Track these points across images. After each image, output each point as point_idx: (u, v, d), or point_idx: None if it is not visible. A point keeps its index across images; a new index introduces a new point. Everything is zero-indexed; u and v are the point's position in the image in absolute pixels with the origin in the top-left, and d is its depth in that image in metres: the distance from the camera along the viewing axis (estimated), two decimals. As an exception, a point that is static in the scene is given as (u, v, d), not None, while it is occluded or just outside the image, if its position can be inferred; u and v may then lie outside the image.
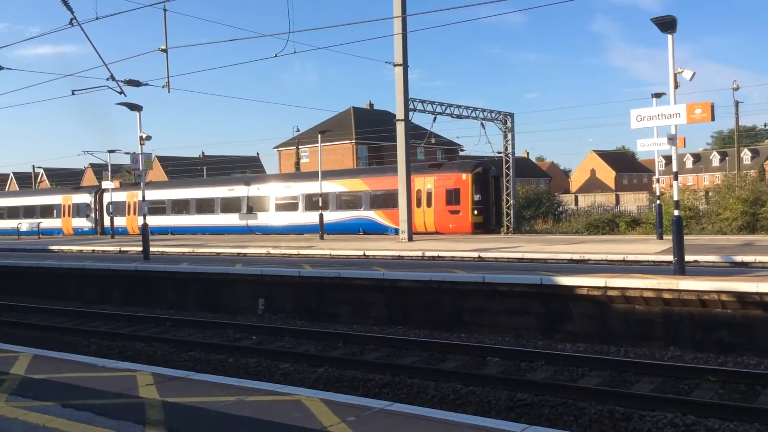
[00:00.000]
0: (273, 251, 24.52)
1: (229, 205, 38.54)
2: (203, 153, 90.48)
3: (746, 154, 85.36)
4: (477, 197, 31.10)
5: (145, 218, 21.73)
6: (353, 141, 58.72)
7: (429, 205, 31.83)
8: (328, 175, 35.65)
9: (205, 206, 39.82)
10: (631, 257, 18.01)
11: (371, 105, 70.44)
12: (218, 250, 25.91)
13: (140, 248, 21.53)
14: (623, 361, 10.45)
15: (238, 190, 38.51)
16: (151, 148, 22.05)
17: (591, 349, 11.55)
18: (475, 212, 31.03)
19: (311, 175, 36.13)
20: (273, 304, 16.10)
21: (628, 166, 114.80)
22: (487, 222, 31.92)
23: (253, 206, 37.53)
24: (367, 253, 22.46)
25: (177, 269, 17.91)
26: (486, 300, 13.21)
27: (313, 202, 34.19)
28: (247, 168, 74.86)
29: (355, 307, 14.94)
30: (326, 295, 15.36)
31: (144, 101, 18.89)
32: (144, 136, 20.46)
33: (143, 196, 21.93)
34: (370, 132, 56.66)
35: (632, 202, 45.90)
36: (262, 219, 37.08)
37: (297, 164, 59.71)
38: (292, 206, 36.04)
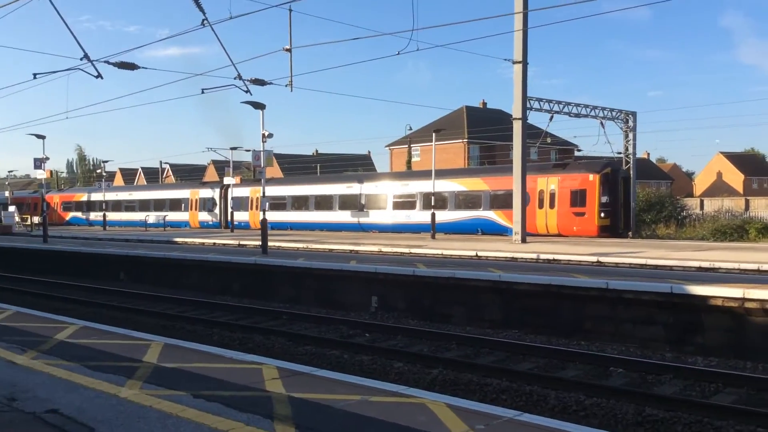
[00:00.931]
0: (385, 249, 24.65)
1: (347, 202, 39.04)
2: (317, 151, 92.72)
3: None
4: (604, 199, 29.79)
5: (264, 213, 22.40)
6: (465, 140, 58.25)
7: (552, 206, 30.76)
8: (447, 174, 35.34)
9: (323, 203, 40.48)
10: (766, 266, 16.73)
11: (484, 104, 69.63)
12: (332, 247, 26.38)
13: (258, 242, 22.21)
14: (762, 378, 9.68)
15: (356, 188, 39.02)
16: (270, 146, 22.66)
17: (724, 363, 10.81)
18: (602, 215, 29.74)
19: (429, 174, 36.10)
20: (386, 302, 16.14)
21: (758, 169, 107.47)
22: (614, 225, 30.52)
23: (369, 204, 37.92)
24: (480, 253, 22.14)
25: (294, 264, 18.34)
26: (609, 307, 12.63)
27: (430, 201, 34.17)
28: (359, 166, 75.99)
29: (469, 308, 14.71)
30: (440, 295, 15.23)
31: (266, 100, 19.51)
32: (266, 133, 21.08)
33: (263, 192, 22.62)
34: (482, 131, 56.02)
35: (764, 207, 42.95)
36: (380, 217, 37.24)
37: (408, 163, 59.92)
38: (409, 204, 35.88)
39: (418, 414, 5.48)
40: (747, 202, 45.34)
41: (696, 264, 17.63)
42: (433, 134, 32.90)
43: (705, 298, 11.48)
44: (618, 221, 30.79)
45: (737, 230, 33.44)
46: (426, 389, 8.89)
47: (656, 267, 17.74)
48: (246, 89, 20.50)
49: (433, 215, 30.72)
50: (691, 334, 11.71)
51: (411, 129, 64.07)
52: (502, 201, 31.83)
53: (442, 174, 33.70)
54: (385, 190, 37.51)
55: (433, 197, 31.71)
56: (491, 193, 32.72)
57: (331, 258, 20.38)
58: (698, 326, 11.65)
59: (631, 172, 33.91)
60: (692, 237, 33.95)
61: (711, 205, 46.74)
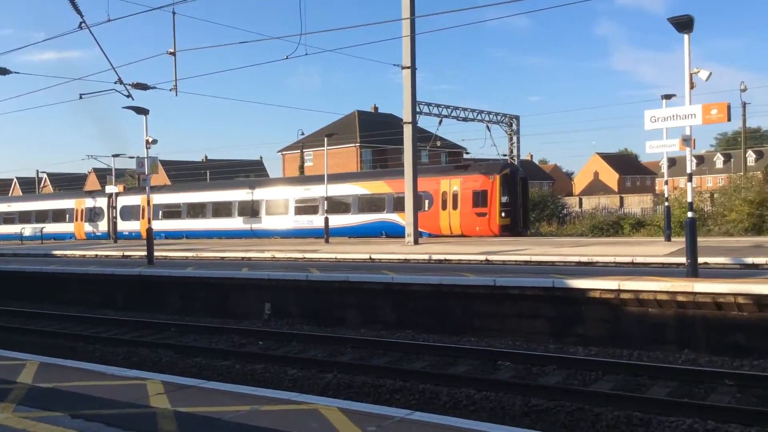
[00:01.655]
0: (278, 255, 24.40)
1: (247, 209, 38.20)
2: (206, 157, 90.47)
3: (751, 156, 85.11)
4: (504, 199, 30.76)
5: (150, 222, 21.63)
6: (358, 144, 58.65)
7: (455, 207, 31.44)
8: (350, 177, 35.28)
9: (222, 210, 39.41)
10: (639, 259, 17.85)
11: (376, 108, 70.36)
12: (223, 255, 25.80)
13: (144, 253, 21.42)
14: (637, 365, 10.28)
15: (256, 193, 38.23)
16: (155, 152, 21.89)
17: (603, 352, 11.39)
18: (503, 214, 30.66)
19: (331, 178, 35.90)
20: (279, 309, 15.95)
21: (631, 169, 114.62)
22: (514, 224, 31.53)
23: (270, 209, 37.26)
24: (373, 256, 22.33)
25: (182, 274, 17.78)
26: (496, 303, 13.05)
27: (334, 205, 33.96)
28: (251, 172, 74.77)
29: (363, 311, 14.79)
30: (334, 300, 15.22)
31: (149, 105, 18.88)
32: (150, 139, 20.35)
33: (149, 200, 21.86)
34: (374, 135, 56.60)
35: (636, 204, 45.71)
36: (282, 223, 36.70)
37: (301, 168, 59.66)
38: (312, 209, 35.52)
39: (310, 420, 5.44)
40: (621, 200, 48.11)
41: (576, 259, 18.54)
42: (325, 139, 32.95)
43: (584, 291, 12.08)
44: (517, 220, 31.82)
45: (613, 226, 35.50)
46: (320, 395, 8.88)
47: (540, 263, 18.53)
48: (127, 94, 19.78)
49: (326, 219, 30.75)
50: (573, 326, 12.29)
51: (303, 134, 63.75)
52: (403, 204, 32.20)
53: (345, 177, 33.68)
54: (287, 195, 37.02)
55: (326, 201, 31.72)
56: (394, 195, 32.86)
57: (222, 266, 19.93)
58: (579, 318, 12.24)
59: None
60: (572, 233, 35.74)
61: (589, 203, 49.27)
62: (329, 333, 13.88)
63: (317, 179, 37.43)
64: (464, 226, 31.30)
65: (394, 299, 14.39)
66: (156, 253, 22.00)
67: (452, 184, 31.59)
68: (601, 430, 7.94)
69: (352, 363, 11.35)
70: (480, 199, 30.88)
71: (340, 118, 63.33)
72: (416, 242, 25.78)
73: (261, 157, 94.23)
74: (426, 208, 31.99)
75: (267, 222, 37.19)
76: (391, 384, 10.00)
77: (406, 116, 26.08)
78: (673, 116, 12.37)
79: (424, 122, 38.38)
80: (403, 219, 31.79)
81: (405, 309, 14.26)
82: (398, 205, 32.70)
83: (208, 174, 71.98)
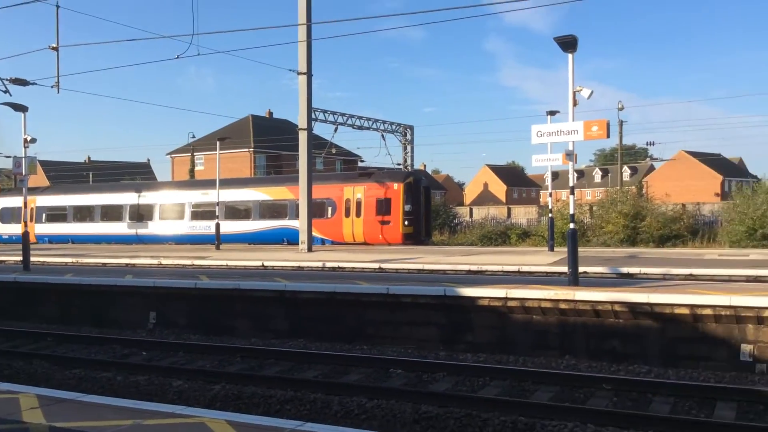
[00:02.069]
0: (165, 261, 23.53)
1: (140, 213, 36.57)
2: (89, 158, 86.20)
3: (626, 171, 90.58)
4: (408, 207, 30.72)
5: (25, 225, 20.33)
6: (251, 149, 57.67)
7: (358, 215, 31.20)
8: (251, 182, 34.44)
9: (112, 213, 37.49)
10: (525, 268, 18.52)
11: (270, 113, 69.53)
12: (105, 261, 24.60)
13: (20, 257, 20.09)
14: (522, 371, 10.63)
15: (150, 197, 36.64)
16: (34, 152, 20.61)
17: (491, 359, 11.70)
18: (406, 222, 30.64)
19: (233, 182, 34.83)
20: (165, 318, 15.36)
21: (518, 181, 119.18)
22: (417, 233, 31.56)
23: (165, 214, 35.85)
24: (266, 263, 21.98)
25: (60, 280, 16.79)
26: (389, 312, 13.14)
27: (234, 210, 32.92)
28: (137, 175, 71.91)
29: (255, 319, 14.50)
30: (223, 308, 14.82)
31: (29, 102, 17.55)
32: (29, 138, 19.12)
33: (25, 202, 20.56)
34: (269, 141, 55.83)
35: (522, 215, 47.44)
36: (177, 228, 35.40)
37: (191, 172, 57.96)
38: (210, 214, 33.95)
39: (196, 434, 5.23)
40: (509, 210, 49.86)
41: (466, 268, 19.00)
42: (218, 142, 32.18)
43: (474, 299, 12.38)
44: (420, 229, 31.94)
45: (501, 235, 36.76)
46: (206, 407, 8.59)
47: (432, 272, 18.86)
48: (5, 89, 18.51)
49: (218, 225, 30.00)
50: (462, 333, 12.56)
51: (194, 137, 62.02)
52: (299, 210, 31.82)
53: (246, 183, 32.88)
54: (183, 199, 35.73)
55: (217, 207, 31.00)
56: (297, 202, 32.32)
57: (105, 273, 18.98)
58: (468, 325, 12.53)
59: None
60: (463, 242, 36.67)
61: (479, 213, 50.73)
62: (218, 342, 13.50)
63: (216, 183, 36.50)
64: (368, 234, 31.15)
65: (286, 307, 14.20)
66: (34, 258, 20.69)
67: (356, 191, 31.43)
68: (488, 435, 8.11)
69: (241, 373, 11.07)
70: (384, 207, 30.76)
71: (234, 122, 62.14)
72: (310, 249, 25.63)
73: (148, 160, 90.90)
74: (329, 215, 31.72)
75: (161, 227, 35.81)
76: (282, 394, 9.82)
77: (302, 123, 25.92)
78: (558, 132, 12.94)
79: (319, 129, 38.21)
80: None
81: (298, 317, 14.10)
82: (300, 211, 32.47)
83: (90, 176, 68.58)
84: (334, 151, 46.03)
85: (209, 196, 34.73)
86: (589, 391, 9.68)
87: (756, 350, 10.40)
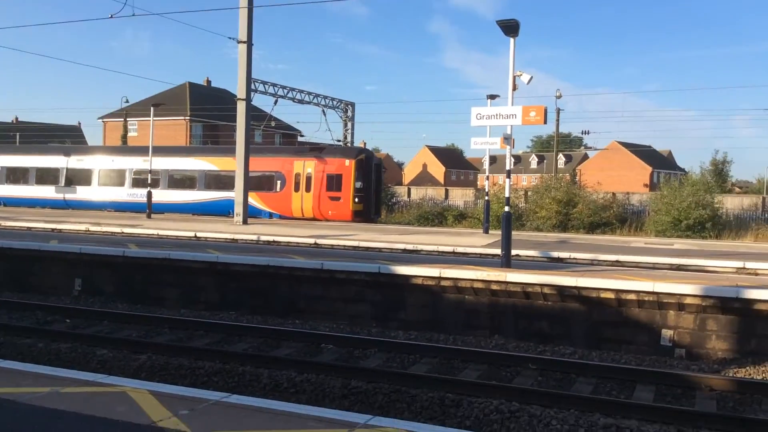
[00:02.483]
0: (94, 228, 22.79)
1: (77, 177, 34.96)
2: (17, 118, 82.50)
3: (561, 159, 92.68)
4: (358, 184, 30.11)
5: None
6: (188, 117, 56.22)
7: (308, 189, 30.52)
8: (197, 151, 33.21)
9: (47, 177, 35.60)
10: (460, 249, 18.73)
11: (209, 82, 67.81)
12: (31, 225, 23.67)
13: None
14: (452, 349, 10.77)
15: (88, 161, 34.99)
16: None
17: (422, 336, 11.82)
18: (356, 200, 30.11)
19: (179, 150, 33.63)
20: (91, 285, 14.91)
21: (456, 163, 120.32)
22: (367, 210, 31.06)
23: (103, 179, 34.39)
24: (199, 234, 21.56)
25: (-21, 243, 16.03)
26: (323, 287, 13.09)
27: (179, 180, 31.95)
28: (67, 138, 69.19)
29: (185, 290, 14.21)
30: (153, 278, 14.47)
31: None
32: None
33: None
34: (206, 109, 54.53)
35: (460, 197, 47.91)
36: (115, 194, 33.97)
37: (124, 137, 56.19)
38: (153, 182, 32.64)
39: (117, 404, 5.07)
40: (446, 192, 50.28)
41: (402, 246, 19.09)
42: (152, 108, 31.21)
43: (408, 278, 12.45)
44: (370, 206, 31.49)
45: (437, 216, 37.08)
46: (131, 377, 8.37)
47: (368, 249, 18.86)
48: None
49: (149, 194, 29.26)
50: (395, 311, 12.63)
51: (128, 101, 59.99)
52: (256, 183, 30.54)
53: (192, 151, 31.96)
54: (125, 165, 34.24)
55: (150, 174, 30.16)
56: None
57: (31, 237, 18.25)
58: (401, 303, 12.60)
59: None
60: (400, 221, 36.82)
61: (417, 193, 51.00)
62: (146, 312, 13.18)
63: (162, 150, 34.68)
64: (317, 210, 30.56)
65: (218, 279, 13.96)
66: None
67: (306, 166, 30.70)
68: (415, 410, 8.19)
69: (168, 344, 10.85)
70: (334, 183, 30.16)
71: (170, 88, 60.26)
72: (245, 222, 25.25)
73: (79, 123, 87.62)
74: (278, 189, 31.04)
75: (100, 193, 34.42)
76: (210, 366, 9.67)
77: (241, 93, 25.38)
78: (497, 115, 13.06)
79: (259, 101, 37.54)
80: (254, 199, 30.50)
81: (229, 289, 13.89)
82: (249, 183, 31.56)
83: (17, 137, 65.64)
84: (273, 124, 45.34)
85: (152, 163, 33.68)
86: (516, 370, 9.90)
87: (676, 335, 10.82)
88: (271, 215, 31.09)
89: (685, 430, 7.32)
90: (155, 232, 21.92)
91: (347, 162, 30.28)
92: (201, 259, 14.08)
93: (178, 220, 27.32)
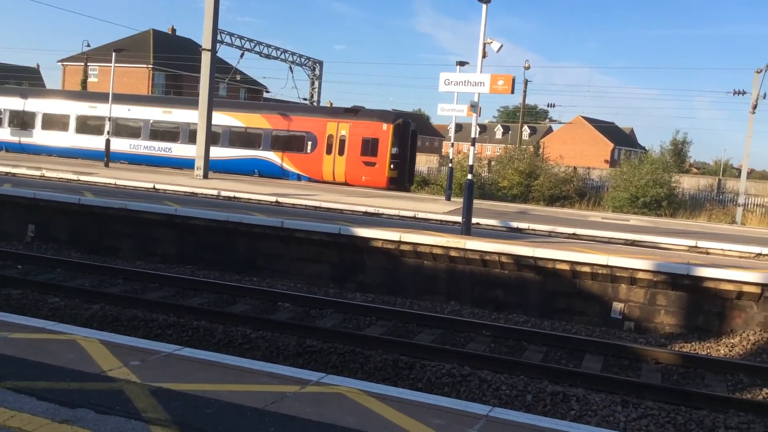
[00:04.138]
0: (49, 174, 22.24)
1: (51, 122, 33.70)
2: (-31, 56, 79.31)
3: (526, 131, 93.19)
4: (395, 150, 28.64)
5: None
6: (150, 66, 54.77)
7: (341, 153, 29.04)
8: (222, 105, 31.27)
9: (28, 121, 34.15)
10: (421, 215, 18.78)
11: (174, 30, 65.90)
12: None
13: None
14: (408, 313, 10.87)
15: (62, 107, 33.62)
16: None
17: (380, 299, 11.89)
18: (392, 167, 28.63)
19: (189, 102, 31.57)
20: (45, 232, 14.59)
21: (422, 129, 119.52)
22: (401, 178, 29.72)
23: (81, 128, 33.15)
24: (158, 186, 21.19)
25: (-73, 183, 15.51)
26: (282, 245, 13.02)
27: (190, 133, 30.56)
28: (25, 80, 66.90)
29: (141, 242, 14.00)
30: (108, 227, 14.21)
31: None
32: None
33: None
34: (170, 58, 53.18)
35: (424, 163, 47.95)
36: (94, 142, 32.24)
37: (84, 83, 54.54)
38: (172, 136, 31.65)
39: (67, 352, 4.99)
40: (411, 157, 50.29)
41: (364, 209, 19.05)
42: (113, 54, 30.28)
43: (368, 240, 12.45)
44: (405, 174, 30.29)
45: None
46: (83, 326, 8.25)
47: (329, 210, 18.78)
48: None
49: (108, 141, 28.56)
50: (354, 272, 12.65)
51: (89, 45, 58.07)
52: (285, 143, 29.75)
53: (217, 105, 30.39)
54: (146, 115, 32.49)
55: (108, 121, 29.38)
56: (273, 132, 30.15)
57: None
58: (360, 265, 12.62)
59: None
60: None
61: (381, 157, 50.85)
62: (100, 262, 12.97)
63: (176, 101, 33.00)
64: (350, 175, 29.10)
65: (175, 232, 13.78)
66: None
67: (340, 128, 29.10)
68: (368, 371, 8.27)
69: (122, 295, 10.72)
70: (370, 147, 28.62)
71: (133, 34, 58.59)
72: (206, 176, 24.88)
73: (38, 65, 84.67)
74: (308, 151, 29.64)
75: (80, 140, 33.16)
76: (164, 319, 9.60)
77: (206, 43, 24.76)
78: (465, 82, 12.99)
79: (225, 53, 36.76)
80: (281, 159, 29.62)
81: (187, 243, 13.73)
82: (276, 143, 30.15)
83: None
84: (238, 77, 44.51)
85: (172, 115, 32.02)
86: (470, 335, 10.05)
87: (626, 309, 11.09)
88: (299, 177, 29.73)
89: (630, 400, 7.54)
90: (112, 181, 21.49)
91: (385, 126, 28.60)
92: (159, 211, 13.86)
93: (137, 171, 26.80)
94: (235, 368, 4.98)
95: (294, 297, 11.30)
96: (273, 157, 30.28)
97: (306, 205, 19.18)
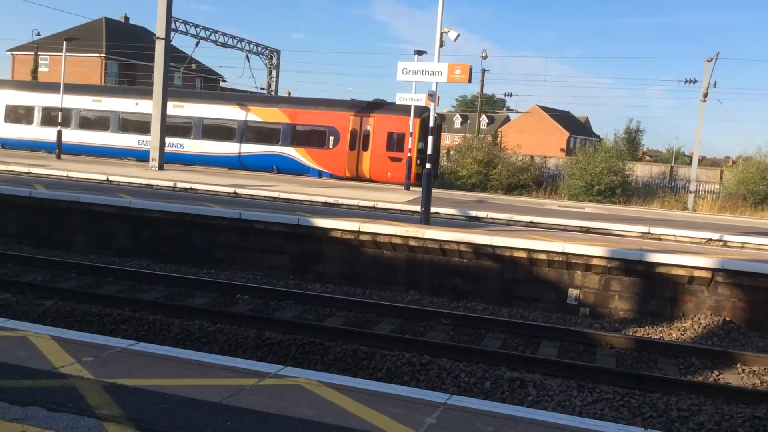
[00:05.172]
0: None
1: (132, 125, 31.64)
2: None
3: (484, 120, 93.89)
4: (421, 145, 27.18)
5: None
6: (103, 55, 53.53)
7: (365, 148, 28.05)
8: (237, 99, 30.37)
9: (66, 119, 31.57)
10: (381, 204, 18.82)
11: (127, 18, 64.52)
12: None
13: None
14: (368, 303, 10.88)
15: (107, 103, 31.66)
16: None
17: (339, 290, 11.88)
18: (418, 162, 27.18)
19: (213, 97, 30.64)
20: (-6, 227, 14.17)
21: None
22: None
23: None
24: (111, 178, 20.78)
25: None
26: (241, 237, 12.89)
27: (213, 129, 29.66)
28: (-30, 69, 64.68)
29: (95, 235, 13.71)
30: (61, 221, 13.88)
31: None
32: None
33: None
34: (123, 47, 52.02)
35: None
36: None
37: (34, 72, 53.08)
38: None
39: (17, 349, 4.86)
40: (370, 147, 50.25)
41: (323, 199, 19.00)
42: (65, 43, 29.53)
43: (327, 230, 12.41)
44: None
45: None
46: (35, 322, 8.07)
47: (288, 200, 18.68)
48: None
49: (59, 132, 27.88)
50: (314, 263, 12.61)
51: (39, 34, 56.45)
52: (305, 138, 28.74)
53: (230, 99, 29.62)
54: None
55: (60, 113, 28.67)
56: (292, 126, 29.06)
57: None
58: (320, 256, 12.58)
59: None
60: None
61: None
62: (53, 257, 12.67)
63: (190, 95, 31.65)
64: (374, 171, 28.20)
65: (130, 225, 13.53)
66: None
67: (364, 123, 28.11)
68: (329, 362, 8.26)
69: (76, 290, 10.50)
70: (396, 142, 27.67)
71: (85, 23, 57.16)
72: (161, 168, 24.48)
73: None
74: (330, 146, 28.63)
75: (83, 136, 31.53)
76: (118, 314, 9.42)
77: (160, 31, 24.30)
78: (423, 71, 13.02)
79: (179, 41, 36.11)
80: (301, 155, 28.68)
81: (143, 236, 13.50)
82: (297, 138, 29.08)
83: None
84: (194, 66, 43.81)
85: (184, 109, 30.30)
86: (430, 324, 10.11)
87: (581, 295, 11.29)
88: (320, 174, 28.76)
89: (585, 385, 7.68)
90: (65, 173, 21.00)
91: (411, 120, 27.47)
92: (112, 204, 13.59)
93: (90, 162, 26.22)
94: (191, 362, 4.92)
95: (253, 289, 11.21)
96: (292, 152, 29.18)
97: (265, 196, 19.03)
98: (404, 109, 28.23)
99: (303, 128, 29.03)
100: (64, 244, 13.71)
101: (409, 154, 26.20)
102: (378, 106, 29.65)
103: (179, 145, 30.07)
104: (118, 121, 30.93)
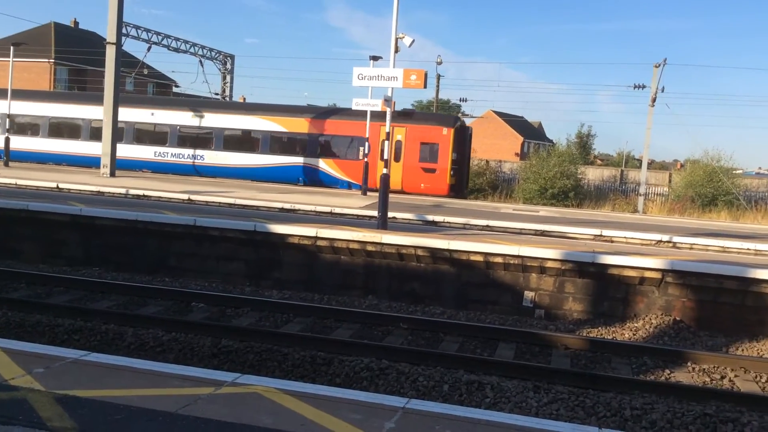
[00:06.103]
0: (-60, 175, 20.90)
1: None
2: None
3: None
4: (455, 156, 27.12)
5: None
6: (52, 60, 52.27)
7: (397, 159, 27.09)
8: (261, 109, 29.23)
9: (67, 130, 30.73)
10: (337, 210, 18.78)
11: (76, 23, 63.13)
12: None
13: None
14: (326, 308, 10.85)
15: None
16: None
17: (297, 296, 11.82)
18: (452, 173, 27.07)
19: (235, 107, 29.21)
20: (-63, 237, 13.69)
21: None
22: (460, 184, 28.30)
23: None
24: (62, 185, 20.30)
25: None
26: (195, 244, 12.72)
27: (236, 141, 28.72)
28: None
29: (44, 244, 13.37)
30: (9, 230, 13.49)
31: None
32: None
33: None
34: (73, 53, 50.88)
35: (340, 158, 47.93)
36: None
37: (-22, 77, 51.46)
38: (203, 142, 29.20)
39: (-38, 363, 4.70)
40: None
41: (280, 205, 18.88)
42: (12, 48, 28.71)
43: (284, 236, 12.34)
44: (463, 180, 28.97)
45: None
46: (-19, 335, 7.83)
47: (244, 207, 18.50)
48: None
49: (7, 139, 27.11)
50: (271, 270, 12.51)
51: (-16, 39, 54.86)
52: (333, 148, 28.01)
53: (253, 109, 28.31)
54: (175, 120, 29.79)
55: (8, 119, 27.87)
56: (320, 137, 28.19)
57: None
58: (277, 262, 12.50)
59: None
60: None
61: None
62: (1, 267, 12.30)
63: (207, 105, 30.43)
64: (407, 183, 27.32)
65: (81, 233, 13.23)
66: None
67: (396, 133, 26.77)
68: (287, 369, 8.21)
69: (25, 300, 10.22)
70: (429, 153, 27.06)
71: (33, 27, 55.78)
72: (113, 174, 24.00)
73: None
74: (360, 157, 27.37)
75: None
76: (70, 324, 9.21)
77: (111, 36, 23.85)
78: (379, 76, 13.06)
79: (131, 46, 35.48)
80: (330, 166, 27.92)
81: (94, 245, 13.22)
82: (325, 149, 28.29)
83: None
84: (146, 71, 43.03)
85: (204, 118, 29.36)
86: (388, 329, 10.13)
87: (537, 297, 11.46)
88: (350, 186, 27.83)
89: (541, 386, 7.79)
90: (13, 181, 20.42)
91: (445, 131, 26.92)
92: (63, 212, 13.28)
93: (39, 170, 25.57)
94: (145, 372, 4.83)
95: (208, 296, 11.08)
96: (320, 164, 28.38)
97: (220, 203, 18.83)
98: (437, 119, 27.92)
99: (331, 139, 28.29)
100: (13, 253, 13.33)
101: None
102: (408, 115, 29.01)
103: (200, 157, 29.20)
104: (88, 130, 30.10)
